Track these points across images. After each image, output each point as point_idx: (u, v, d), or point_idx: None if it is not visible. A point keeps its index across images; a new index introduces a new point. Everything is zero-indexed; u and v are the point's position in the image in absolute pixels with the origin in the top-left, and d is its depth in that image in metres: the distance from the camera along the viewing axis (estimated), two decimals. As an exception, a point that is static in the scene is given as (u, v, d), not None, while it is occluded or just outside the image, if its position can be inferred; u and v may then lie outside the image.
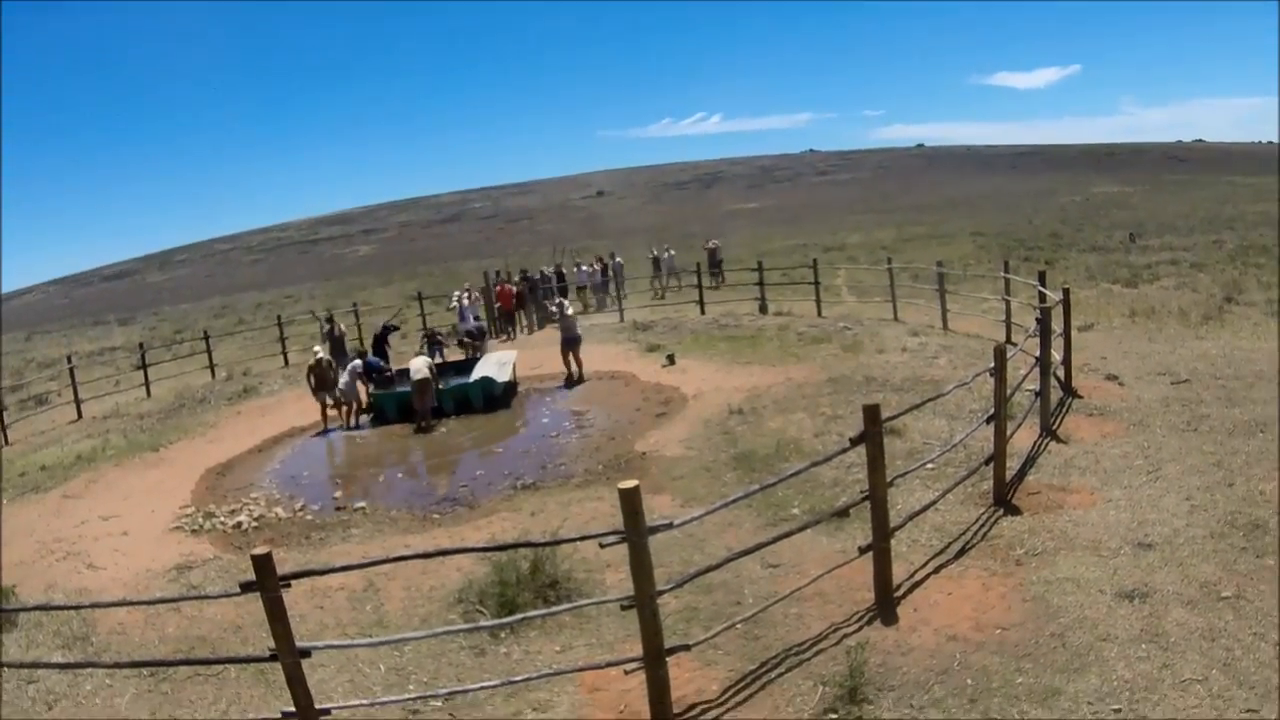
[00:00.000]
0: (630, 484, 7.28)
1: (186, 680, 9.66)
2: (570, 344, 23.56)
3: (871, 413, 8.79)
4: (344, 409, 21.94)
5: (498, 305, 31.97)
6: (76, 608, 10.65)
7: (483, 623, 9.43)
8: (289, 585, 7.44)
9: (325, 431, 21.57)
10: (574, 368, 23.56)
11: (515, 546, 8.61)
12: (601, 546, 7.65)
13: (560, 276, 36.67)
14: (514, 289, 31.14)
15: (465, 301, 29.27)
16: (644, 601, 7.45)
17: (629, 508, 7.23)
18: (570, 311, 24.11)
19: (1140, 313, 24.16)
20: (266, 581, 7.32)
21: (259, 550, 7.46)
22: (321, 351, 22.55)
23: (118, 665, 9.27)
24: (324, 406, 21.80)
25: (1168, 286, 28.94)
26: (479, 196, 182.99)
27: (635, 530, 7.27)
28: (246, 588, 7.44)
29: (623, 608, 7.72)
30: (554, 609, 8.78)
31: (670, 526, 7.89)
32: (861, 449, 9.04)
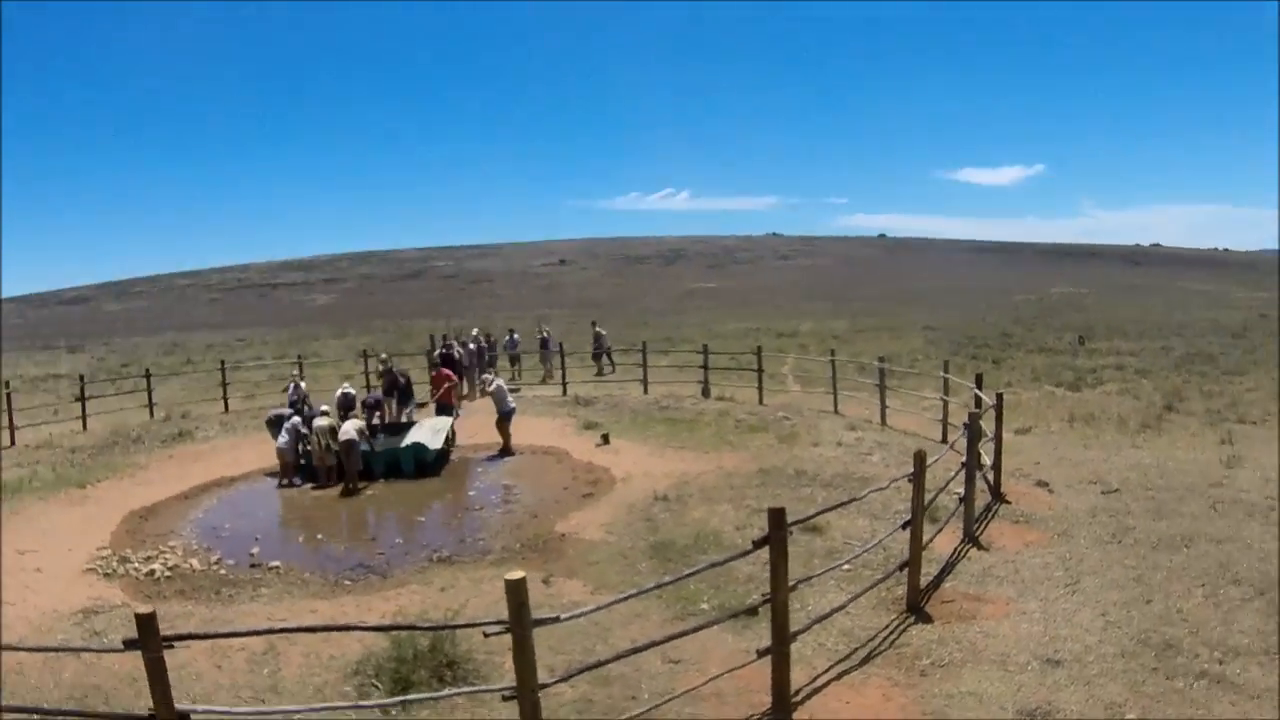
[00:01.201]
0: (516, 575, 7.31)
1: (76, 730, 9.46)
2: (503, 417, 23.61)
3: (776, 517, 8.73)
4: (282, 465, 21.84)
5: (436, 390, 27.65)
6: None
7: (363, 702, 9.33)
8: (171, 646, 7.40)
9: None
10: (506, 440, 23.59)
11: (400, 628, 8.74)
12: (485, 636, 7.64)
13: (492, 347, 36.41)
14: (448, 374, 27.80)
15: (303, 387, 28.09)
16: (524, 694, 7.42)
17: (514, 600, 7.23)
18: (494, 387, 24.13)
19: (1079, 418, 24.42)
20: (149, 641, 7.27)
21: (142, 609, 7.44)
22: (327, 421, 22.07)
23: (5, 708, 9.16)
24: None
25: (1110, 391, 29.37)
26: (442, 255, 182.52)
27: (519, 622, 7.27)
28: (130, 645, 7.38)
29: (504, 698, 7.69)
30: (438, 693, 8.76)
31: (557, 620, 7.89)
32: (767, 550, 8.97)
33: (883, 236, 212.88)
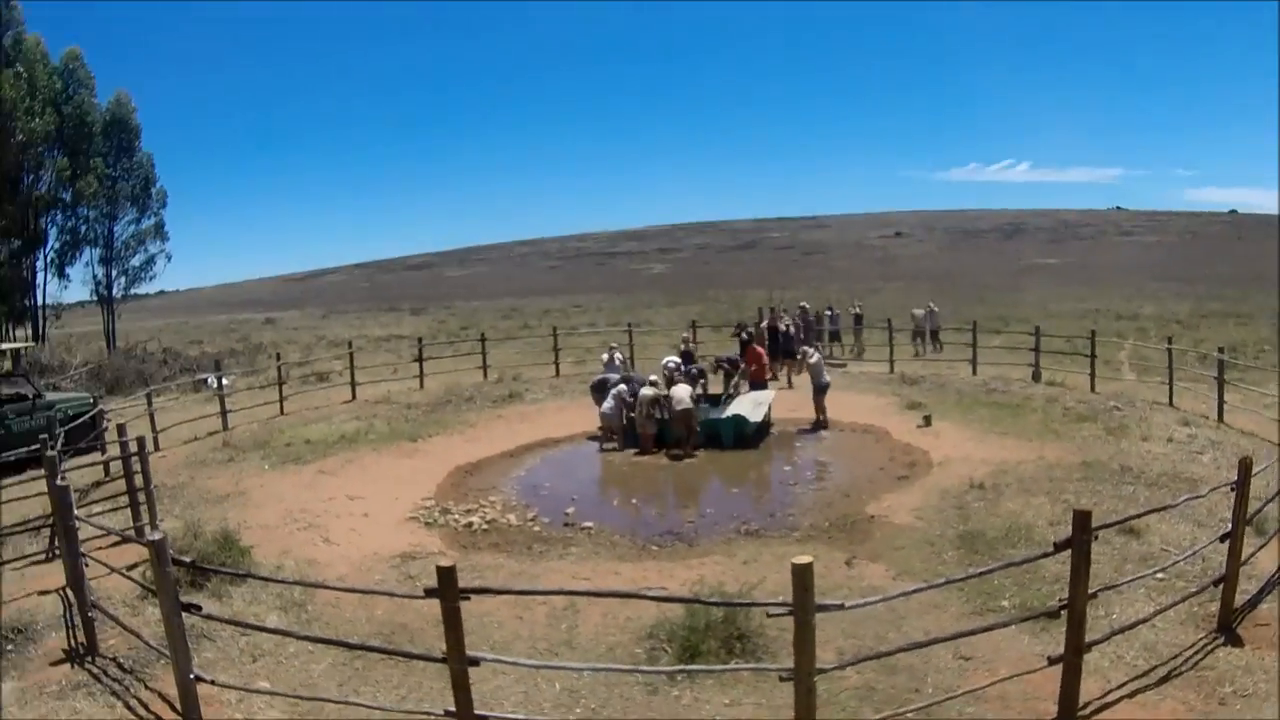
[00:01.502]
0: (804, 560, 7.29)
1: (379, 662, 10.20)
2: (819, 391, 23.66)
3: (1081, 520, 8.36)
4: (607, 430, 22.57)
5: (749, 368, 27.58)
6: (282, 582, 11.20)
7: (645, 666, 9.63)
8: (468, 598, 7.76)
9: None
10: (821, 414, 23.64)
11: (683, 600, 8.96)
12: (768, 616, 7.67)
13: (817, 321, 36.11)
14: (760, 351, 27.94)
15: (617, 359, 28.26)
16: (800, 677, 7.43)
17: (799, 584, 7.23)
18: (814, 360, 24.12)
19: None
20: (447, 592, 7.68)
21: (445, 562, 7.81)
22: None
23: (308, 638, 9.97)
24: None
25: None
26: (776, 226, 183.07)
27: (803, 607, 7.26)
28: (430, 593, 7.83)
29: (780, 679, 7.71)
30: (722, 665, 8.97)
31: (841, 608, 7.83)
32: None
33: (1233, 213, 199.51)
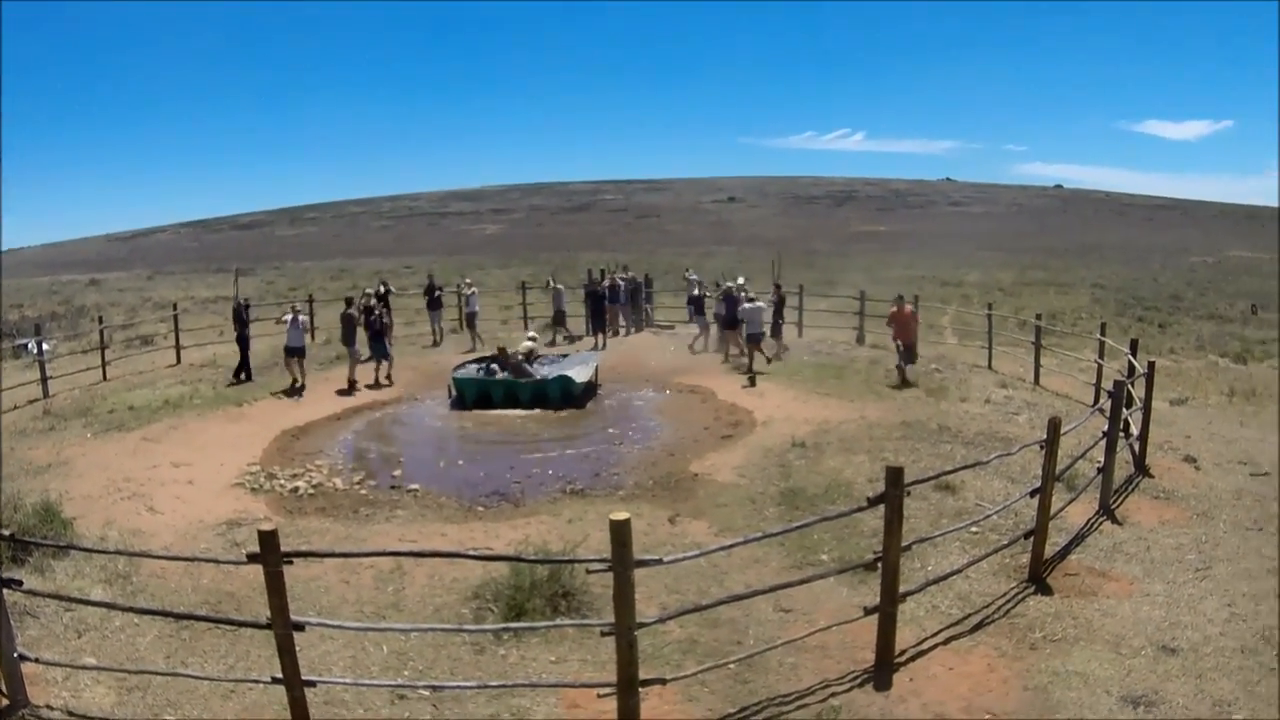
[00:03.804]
0: (621, 516, 7.36)
1: (206, 631, 10.02)
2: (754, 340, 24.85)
3: (893, 475, 8.66)
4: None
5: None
6: (105, 552, 10.95)
7: (469, 626, 9.66)
8: (290, 562, 7.68)
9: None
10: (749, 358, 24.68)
11: (501, 559, 9.00)
12: (588, 572, 7.77)
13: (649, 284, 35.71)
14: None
15: (301, 319, 26.24)
16: (621, 631, 7.53)
17: (617, 540, 7.31)
18: (749, 308, 25.18)
19: (1240, 392, 23.14)
20: (269, 556, 7.56)
21: (265, 527, 7.74)
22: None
23: (134, 610, 9.65)
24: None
25: (1277, 366, 27.73)
26: (611, 189, 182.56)
27: (621, 562, 7.35)
28: (252, 558, 7.69)
29: (602, 634, 7.82)
30: (547, 623, 9.02)
31: (659, 562, 7.96)
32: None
33: (1059, 187, 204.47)
